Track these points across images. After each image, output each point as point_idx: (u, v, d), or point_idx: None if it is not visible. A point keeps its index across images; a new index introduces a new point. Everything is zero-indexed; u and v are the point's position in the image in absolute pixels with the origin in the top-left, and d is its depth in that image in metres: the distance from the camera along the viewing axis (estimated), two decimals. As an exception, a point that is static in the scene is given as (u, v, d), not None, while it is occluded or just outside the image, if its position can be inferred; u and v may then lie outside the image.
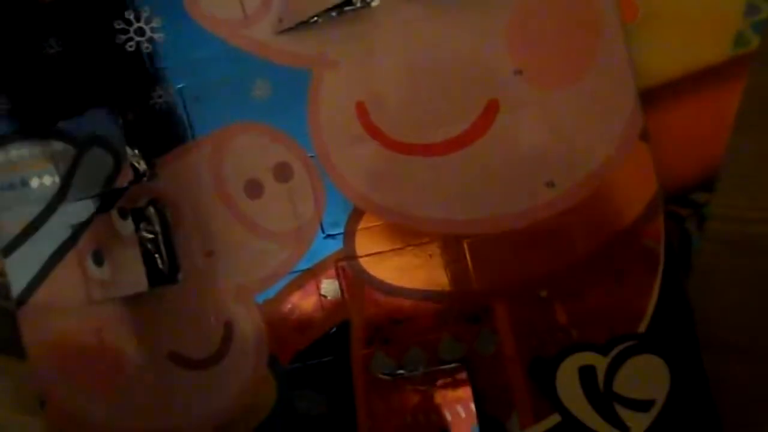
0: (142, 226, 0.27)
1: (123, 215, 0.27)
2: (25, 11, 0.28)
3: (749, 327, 0.25)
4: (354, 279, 0.26)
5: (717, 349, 0.25)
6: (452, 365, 0.26)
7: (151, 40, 0.27)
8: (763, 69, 0.24)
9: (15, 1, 0.28)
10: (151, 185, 0.28)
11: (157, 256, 0.27)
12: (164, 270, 0.27)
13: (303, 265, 0.27)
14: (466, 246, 0.26)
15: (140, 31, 0.27)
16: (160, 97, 0.27)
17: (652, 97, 0.25)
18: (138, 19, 0.27)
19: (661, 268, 0.25)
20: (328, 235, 0.26)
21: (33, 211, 0.29)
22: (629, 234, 0.25)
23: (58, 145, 0.28)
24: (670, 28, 0.25)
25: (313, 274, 0.27)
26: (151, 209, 0.27)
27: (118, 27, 0.27)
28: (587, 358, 0.25)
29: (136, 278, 0.27)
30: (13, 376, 0.29)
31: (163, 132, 0.27)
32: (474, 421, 0.25)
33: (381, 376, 0.26)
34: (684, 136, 0.25)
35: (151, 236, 0.27)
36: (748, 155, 0.25)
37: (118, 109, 0.27)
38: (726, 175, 0.25)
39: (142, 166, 0.27)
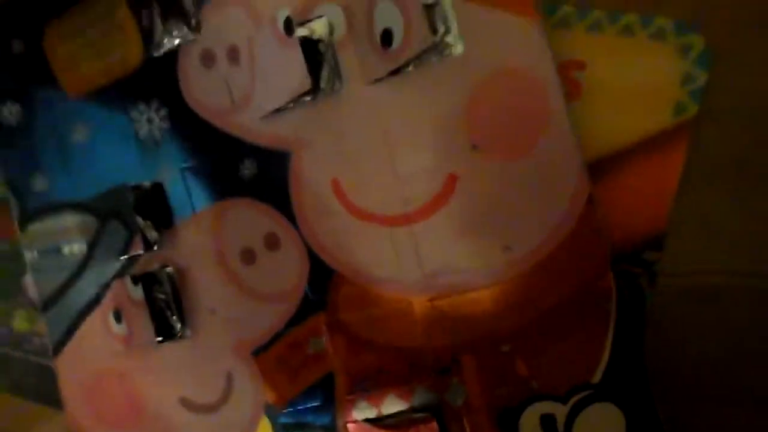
0: (155, 288, 0.31)
1: (134, 281, 0.31)
2: (53, 106, 0.32)
3: (710, 372, 0.27)
4: (336, 335, 0.29)
5: (682, 395, 0.27)
6: (423, 414, 0.28)
7: (159, 128, 0.31)
8: (703, 130, 0.26)
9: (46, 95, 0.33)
10: (162, 253, 0.32)
11: (168, 314, 0.31)
12: (175, 326, 0.31)
13: (292, 324, 0.30)
14: (434, 306, 0.28)
15: (150, 120, 0.31)
16: (167, 176, 0.31)
17: (601, 166, 0.27)
18: (149, 110, 0.31)
19: (612, 322, 0.27)
20: (313, 298, 0.30)
21: (65, 274, 0.33)
22: (582, 292, 0.27)
23: (84, 218, 0.32)
24: (613, 102, 0.27)
25: (301, 331, 0.30)
26: (163, 273, 0.31)
27: (132, 117, 0.31)
28: (548, 407, 0.27)
29: (148, 335, 0.31)
30: (57, 424, 0.34)
31: (169, 207, 0.31)
32: (443, 465, 0.28)
33: (362, 422, 0.29)
34: (633, 200, 0.27)
35: (162, 297, 0.31)
36: (691, 214, 0.26)
37: (134, 186, 0.31)
38: (672, 234, 0.27)
39: (153, 235, 0.31)
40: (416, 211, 0.28)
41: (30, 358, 0.34)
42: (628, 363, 0.27)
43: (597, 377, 0.27)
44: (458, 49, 0.27)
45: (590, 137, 0.27)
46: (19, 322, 0.35)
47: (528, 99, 0.27)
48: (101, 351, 0.32)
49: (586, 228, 0.27)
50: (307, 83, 0.27)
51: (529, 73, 0.27)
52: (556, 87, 0.26)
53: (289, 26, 0.27)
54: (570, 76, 0.27)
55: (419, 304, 0.28)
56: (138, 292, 0.31)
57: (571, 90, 0.27)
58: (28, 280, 0.33)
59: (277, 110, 0.29)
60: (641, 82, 0.26)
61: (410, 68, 0.27)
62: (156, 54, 0.31)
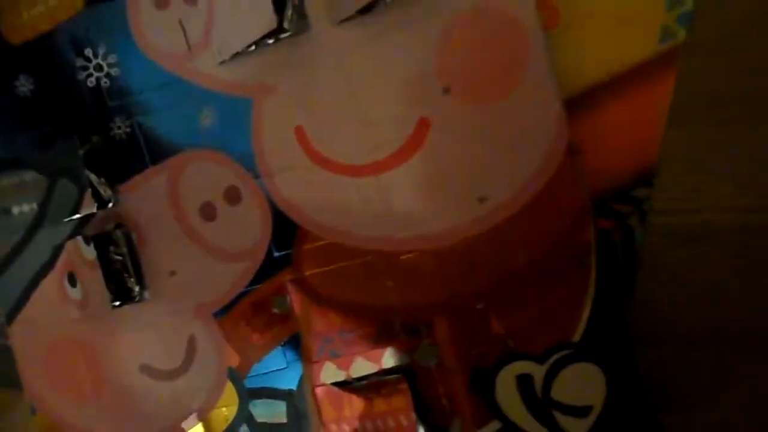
0: (111, 249, 0.29)
1: (86, 241, 0.29)
2: (-3, 53, 0.30)
3: (702, 316, 0.25)
4: (302, 295, 0.28)
5: (673, 340, 0.25)
6: (394, 376, 0.27)
7: (108, 75, 0.29)
8: (692, 60, 0.24)
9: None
10: (117, 210, 0.30)
11: (125, 275, 0.29)
12: (132, 289, 0.29)
13: (255, 283, 0.28)
14: (403, 261, 0.27)
15: (99, 67, 0.29)
16: (119, 128, 0.29)
17: (583, 99, 0.25)
18: (96, 56, 0.29)
19: (593, 278, 0.25)
20: (277, 254, 0.28)
21: (15, 237, 0.31)
22: (560, 246, 0.25)
23: (32, 176, 0.30)
24: (594, 30, 0.25)
25: (264, 291, 0.28)
26: (118, 233, 0.29)
27: (79, 64, 0.29)
28: (525, 367, 0.26)
29: (103, 298, 0.29)
30: (21, 410, 0.32)
31: (124, 161, 0.29)
32: (415, 429, 0.26)
33: (330, 386, 0.28)
34: (620, 135, 0.25)
35: (119, 258, 0.29)
36: (683, 147, 0.25)
37: (81, 140, 0.29)
38: (664, 168, 0.25)
39: (106, 192, 0.29)
40: (385, 159, 0.26)
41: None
42: (608, 321, 0.25)
43: (577, 336, 0.25)
44: (428, -16, 0.25)
45: (570, 68, 0.25)
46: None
47: (505, 40, 0.25)
48: (57, 318, 0.31)
49: (564, 178, 0.25)
50: (271, 23, 0.25)
51: (508, 12, 0.25)
52: (536, 28, 0.25)
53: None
54: (547, 2, 0.25)
55: (388, 259, 0.27)
56: (91, 253, 0.29)
57: (548, 17, 0.25)
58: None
59: (237, 54, 0.27)
60: (623, 5, 0.25)
61: (381, 7, 0.25)
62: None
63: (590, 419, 0.25)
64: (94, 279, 0.29)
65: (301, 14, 0.26)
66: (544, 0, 0.25)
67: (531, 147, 0.25)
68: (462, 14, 0.25)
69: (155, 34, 0.28)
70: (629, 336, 0.25)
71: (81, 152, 0.29)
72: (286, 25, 0.26)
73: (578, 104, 0.25)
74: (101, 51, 0.29)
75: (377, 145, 0.26)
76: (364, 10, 0.25)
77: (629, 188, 0.25)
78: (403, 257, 0.27)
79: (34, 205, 0.30)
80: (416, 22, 0.26)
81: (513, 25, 0.25)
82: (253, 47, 0.27)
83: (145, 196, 0.29)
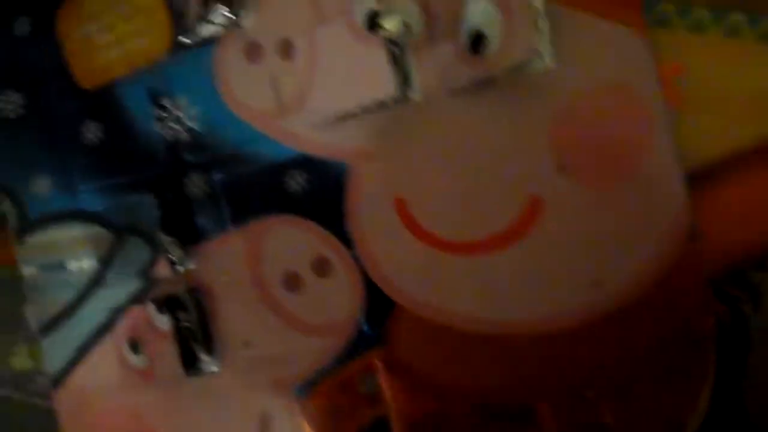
0: (179, 314, 0.27)
1: (160, 309, 0.27)
2: (66, 96, 0.28)
3: None
4: (393, 375, 0.26)
5: None
6: (494, 468, 0.25)
7: (189, 129, 0.27)
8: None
9: (57, 86, 0.28)
10: (188, 273, 0.27)
11: (194, 343, 0.27)
12: (201, 359, 0.27)
13: (341, 360, 0.26)
14: (507, 344, 0.25)
15: (177, 119, 0.27)
16: (196, 186, 0.27)
17: (701, 178, 0.24)
18: (176, 107, 0.27)
19: (712, 368, 0.24)
20: (367, 331, 0.26)
21: (69, 294, 0.29)
22: (678, 334, 0.24)
23: (95, 230, 0.28)
24: (716, 109, 0.24)
25: (351, 369, 0.26)
26: (188, 297, 0.27)
27: (156, 115, 0.27)
28: (634, 461, 0.25)
29: (172, 370, 0.27)
30: None
31: (200, 221, 0.27)
32: None
33: (420, 474, 0.26)
34: (736, 216, 0.24)
35: (188, 324, 0.27)
36: None
37: (156, 197, 0.27)
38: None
39: (177, 254, 0.27)
40: (493, 237, 0.25)
41: (33, 400, 0.30)
42: (728, 415, 0.24)
43: (691, 429, 0.24)
44: (550, 61, 0.24)
45: (689, 147, 0.24)
46: (20, 360, 0.30)
47: (628, 119, 0.24)
48: (112, 386, 0.28)
49: (686, 264, 0.24)
50: (384, 88, 0.23)
51: (631, 90, 0.24)
52: (660, 107, 0.24)
53: (371, 22, 0.23)
54: (668, 81, 0.24)
55: (493, 342, 0.25)
56: (163, 322, 0.26)
57: (670, 97, 0.24)
58: (31, 310, 0.29)
59: (339, 117, 0.25)
60: (748, 87, 0.24)
61: (495, 80, 0.24)
62: (188, 43, 0.26)
63: None
64: (162, 347, 0.27)
65: (408, 79, 0.25)
66: (665, 78, 0.24)
67: (651, 230, 0.24)
68: (584, 91, 0.24)
69: (243, 87, 0.26)
70: (751, 428, 0.24)
71: (156, 210, 0.26)
72: (395, 93, 0.24)
73: (695, 182, 0.24)
74: (182, 102, 0.27)
75: (485, 222, 0.25)
76: (481, 82, 0.24)
77: (744, 271, 0.24)
78: (507, 341, 0.25)
79: (95, 262, 0.28)
80: (533, 97, 0.24)
81: (636, 104, 0.24)
82: (357, 112, 0.25)
83: (221, 260, 0.27)
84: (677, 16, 0.24)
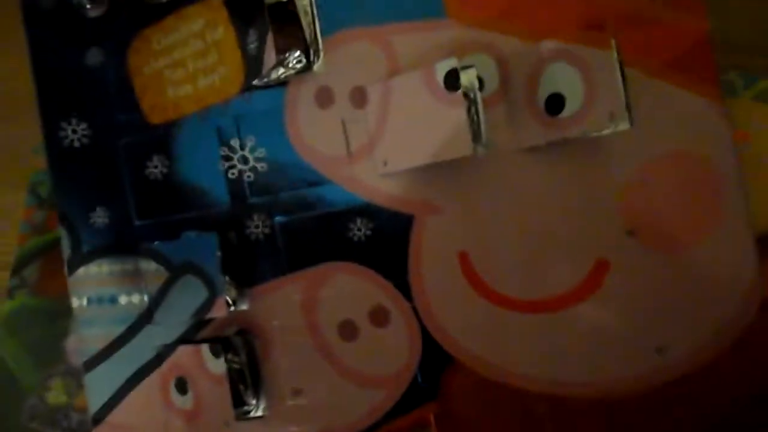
0: (228, 356, 0.27)
1: (215, 354, 0.26)
2: (133, 130, 0.28)
3: None
4: (445, 430, 0.25)
5: None
6: None
7: (254, 170, 0.27)
8: None
9: (124, 118, 0.28)
10: (241, 315, 0.27)
11: (241, 387, 0.27)
12: (249, 402, 0.27)
13: (394, 414, 0.26)
14: (567, 408, 0.24)
15: (244, 160, 0.27)
16: (257, 227, 0.27)
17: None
18: (243, 148, 0.27)
19: (780, 446, 0.23)
20: (423, 385, 0.25)
21: (117, 329, 0.28)
22: (751, 406, 0.24)
23: (150, 265, 0.28)
24: None
25: (404, 424, 0.26)
26: (238, 339, 0.27)
27: (222, 154, 0.27)
28: None
29: (223, 415, 0.26)
30: None
31: (258, 262, 0.27)
32: None
33: None
34: None
35: (236, 366, 0.27)
36: None
37: (218, 236, 0.27)
38: None
39: (232, 294, 0.27)
40: (557, 298, 0.25)
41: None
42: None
43: (756, 508, 0.23)
44: (624, 124, 0.24)
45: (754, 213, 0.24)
46: (55, 395, 0.30)
47: (699, 186, 0.24)
48: (154, 426, 0.27)
49: (758, 334, 0.24)
50: (463, 150, 0.23)
51: (705, 158, 0.24)
52: (734, 176, 0.24)
53: (451, 79, 0.23)
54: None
55: (550, 403, 0.25)
56: (219, 366, 0.26)
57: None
58: (71, 344, 0.28)
59: (409, 169, 0.25)
60: None
61: (569, 141, 0.24)
62: (260, 84, 0.27)
63: None
64: (211, 389, 0.26)
65: (477, 132, 0.25)
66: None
67: (719, 298, 0.24)
68: (654, 156, 0.24)
69: (313, 132, 0.26)
70: None
71: (219, 253, 0.26)
72: (472, 152, 0.24)
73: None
74: (249, 143, 0.27)
75: (550, 282, 0.25)
76: (558, 143, 0.24)
77: None
78: (564, 406, 0.25)
79: (146, 297, 0.28)
80: (606, 159, 0.24)
81: (709, 171, 0.24)
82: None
83: (276, 304, 0.27)
84: (742, 86, 0.25)
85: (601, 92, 0.22)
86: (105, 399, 0.28)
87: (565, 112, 0.23)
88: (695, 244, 0.24)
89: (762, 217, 0.24)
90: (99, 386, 0.28)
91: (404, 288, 0.26)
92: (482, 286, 0.25)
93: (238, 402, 0.27)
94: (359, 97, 0.26)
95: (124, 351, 0.28)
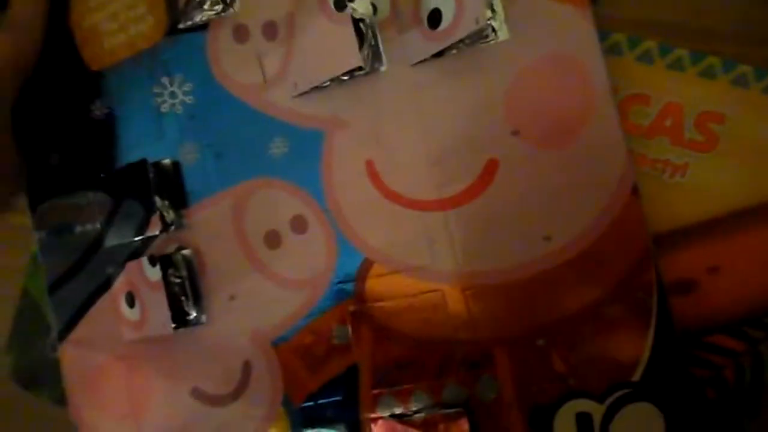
0: (170, 271, 0.30)
1: (152, 262, 0.29)
2: (75, 78, 0.31)
3: None
4: (363, 325, 0.28)
5: None
6: (454, 410, 0.27)
7: (183, 103, 0.30)
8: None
9: (66, 69, 0.31)
10: (179, 234, 0.30)
11: (183, 299, 0.30)
12: (190, 312, 0.30)
13: (316, 312, 0.29)
14: (467, 296, 0.27)
15: (173, 95, 0.30)
16: (189, 153, 0.30)
17: (730, 221, 0.26)
18: (172, 84, 0.30)
19: (654, 318, 0.26)
20: (340, 284, 0.28)
21: (75, 255, 0.31)
22: (622, 286, 0.26)
23: (98, 196, 0.31)
24: (748, 159, 0.26)
25: (325, 320, 0.28)
26: (179, 256, 0.30)
27: (155, 91, 0.30)
28: (584, 405, 0.26)
29: (163, 320, 0.29)
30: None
31: (190, 185, 0.30)
32: (473, 463, 0.27)
33: (387, 417, 0.28)
34: (762, 261, 0.26)
35: (178, 281, 0.30)
36: None
37: (150, 164, 0.30)
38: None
39: (170, 216, 0.30)
40: (453, 196, 0.27)
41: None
42: (668, 361, 0.26)
43: (637, 375, 0.26)
44: (503, 34, 0.26)
45: (720, 191, 0.26)
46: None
47: (573, 86, 0.26)
48: (109, 337, 0.31)
49: (629, 219, 0.26)
50: (353, 62, 0.26)
51: (576, 60, 0.26)
52: (602, 75, 0.26)
53: (339, 3, 0.26)
54: (707, 127, 0.27)
55: (452, 294, 0.27)
56: (155, 273, 0.29)
57: (708, 140, 0.26)
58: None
59: (314, 88, 0.28)
60: None
61: (454, 51, 0.27)
62: (183, 26, 0.30)
63: (648, 460, 0.26)
64: (153, 300, 0.29)
65: (375, 52, 0.28)
66: (704, 124, 0.27)
67: (596, 189, 0.26)
68: (531, 61, 0.26)
69: (232, 65, 0.29)
70: (689, 378, 0.26)
71: (151, 176, 0.29)
72: (362, 63, 0.27)
73: (724, 225, 0.26)
74: (177, 79, 0.30)
75: (446, 182, 0.27)
76: (439, 54, 0.27)
77: (763, 315, 0.26)
78: (467, 292, 0.27)
79: (97, 225, 0.31)
80: (488, 68, 0.27)
81: (581, 72, 0.26)
82: (329, 83, 0.28)
83: (209, 221, 0.30)
84: (722, 70, 0.27)
85: (467, 2, 0.25)
86: (67, 318, 0.31)
87: (443, 25, 0.26)
88: (573, 139, 0.26)
89: (724, 196, 0.26)
90: (62, 307, 0.32)
91: (319, 197, 0.28)
92: (387, 190, 0.28)
93: (182, 313, 0.30)
94: (271, 31, 0.29)
95: (82, 275, 0.31)
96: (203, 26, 0.30)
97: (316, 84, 0.28)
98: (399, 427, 0.28)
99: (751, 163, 0.27)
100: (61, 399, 0.32)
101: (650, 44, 0.27)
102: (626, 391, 0.26)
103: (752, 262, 0.26)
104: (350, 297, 0.28)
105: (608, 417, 0.26)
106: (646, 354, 0.26)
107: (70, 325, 0.31)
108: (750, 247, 0.26)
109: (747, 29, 0.27)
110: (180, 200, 0.30)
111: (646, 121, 0.27)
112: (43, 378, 0.33)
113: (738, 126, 0.27)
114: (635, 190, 0.26)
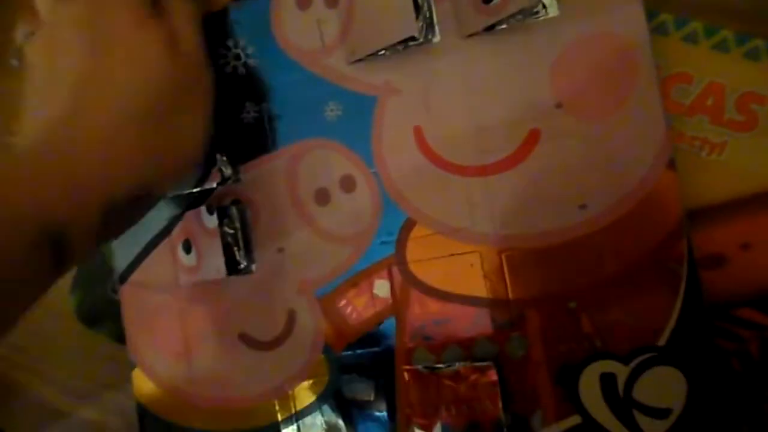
0: (225, 222, 0.32)
1: (210, 211, 0.31)
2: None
3: None
4: (403, 281, 0.30)
5: None
6: (482, 363, 0.29)
7: (245, 65, 0.32)
8: None
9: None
10: (235, 188, 0.32)
11: (236, 249, 0.32)
12: (241, 262, 0.32)
13: (359, 266, 0.30)
14: (504, 258, 0.29)
15: (237, 57, 0.32)
16: (248, 112, 0.32)
17: (765, 201, 0.27)
18: (236, 46, 0.32)
19: (682, 287, 0.27)
20: (383, 241, 0.30)
21: (137, 204, 0.34)
22: (654, 255, 0.27)
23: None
24: None
25: (367, 274, 0.30)
26: (234, 209, 0.32)
27: (220, 53, 0.32)
28: (609, 366, 0.28)
29: (216, 266, 0.31)
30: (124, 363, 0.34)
31: (249, 143, 0.32)
32: (500, 415, 0.28)
33: (421, 368, 0.30)
34: None
35: (231, 232, 0.32)
36: None
37: (213, 121, 0.32)
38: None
39: (228, 170, 0.32)
40: (495, 162, 0.29)
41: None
42: (694, 328, 0.27)
43: (662, 340, 0.27)
44: (553, 10, 0.28)
45: (756, 171, 0.27)
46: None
47: (618, 63, 0.28)
48: (166, 281, 0.33)
49: (664, 192, 0.27)
50: (409, 30, 0.28)
51: (622, 38, 0.27)
52: (647, 54, 0.27)
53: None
54: (748, 108, 0.28)
55: (489, 256, 0.29)
56: (212, 221, 0.31)
57: (747, 120, 0.28)
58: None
59: (370, 56, 0.29)
60: None
61: (505, 26, 0.28)
62: (249, -5, 0.32)
63: (669, 421, 0.27)
64: (208, 247, 0.32)
65: (429, 24, 0.29)
66: (745, 105, 0.28)
67: (634, 162, 0.27)
68: (579, 37, 0.28)
69: (293, 30, 0.31)
70: (713, 346, 0.27)
71: (212, 132, 0.31)
72: (416, 33, 0.29)
73: (758, 204, 0.27)
74: (241, 42, 0.32)
75: (490, 149, 0.29)
76: (489, 28, 0.28)
77: None
78: (503, 254, 0.29)
79: (159, 177, 0.33)
80: (536, 42, 0.28)
81: (625, 49, 0.27)
82: (385, 51, 0.29)
83: (264, 177, 0.32)
84: (765, 50, 0.27)
85: (525, -20, 0.26)
86: (128, 262, 0.34)
87: (494, 0, 0.27)
88: (614, 113, 0.28)
89: (759, 177, 0.27)
90: (123, 251, 0.34)
91: (368, 159, 0.30)
92: (433, 154, 0.29)
93: (234, 262, 0.32)
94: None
95: (143, 222, 0.34)
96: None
97: (372, 51, 0.29)
98: (431, 377, 0.29)
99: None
100: (120, 337, 0.34)
101: (696, 25, 0.28)
102: (651, 354, 0.27)
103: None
104: (392, 254, 0.30)
105: (632, 378, 0.27)
106: (673, 321, 0.27)
107: (130, 269, 0.34)
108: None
109: (793, 13, 0.28)
110: (238, 156, 0.32)
111: (687, 99, 0.28)
112: (104, 317, 0.36)
113: (777, 107, 0.27)
114: (671, 165, 0.27)
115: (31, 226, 0.23)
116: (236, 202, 0.32)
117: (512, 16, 0.27)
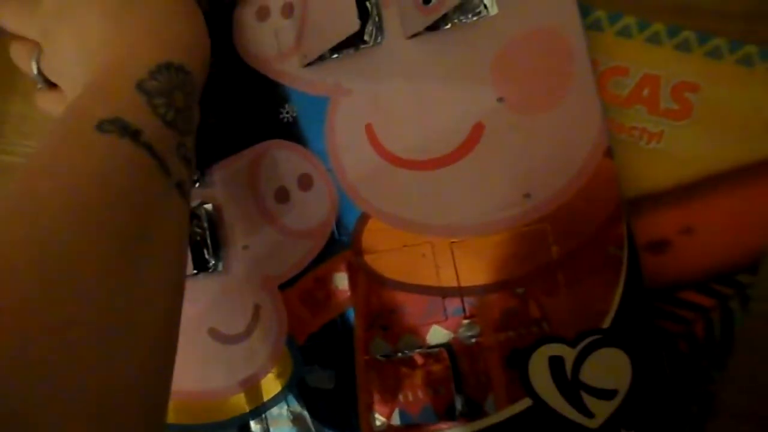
0: (193, 222, 0.33)
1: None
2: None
3: None
4: (359, 273, 0.31)
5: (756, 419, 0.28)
6: (437, 350, 0.30)
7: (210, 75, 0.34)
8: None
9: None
10: (202, 190, 0.34)
11: (204, 248, 0.33)
12: (209, 260, 0.33)
13: (319, 261, 0.32)
14: (453, 248, 0.30)
15: (199, 66, 0.34)
16: (211, 118, 0.33)
17: (704, 184, 0.28)
18: (198, 57, 0.34)
19: (624, 270, 0.28)
20: (340, 236, 0.31)
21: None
22: (595, 240, 0.28)
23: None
24: (720, 127, 0.28)
25: (326, 268, 0.32)
26: (202, 209, 0.33)
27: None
28: (557, 349, 0.29)
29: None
30: None
31: (212, 147, 0.33)
32: (453, 399, 0.29)
33: (378, 357, 0.31)
34: (732, 223, 0.28)
35: (199, 231, 0.33)
36: None
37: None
38: None
39: (195, 174, 0.33)
40: (443, 156, 0.30)
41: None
42: (636, 310, 0.28)
43: (606, 323, 0.28)
44: (493, 9, 0.29)
45: (694, 157, 0.28)
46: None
47: (556, 58, 0.29)
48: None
49: (603, 179, 0.28)
50: (353, 27, 0.29)
51: (559, 35, 0.29)
52: (583, 49, 0.28)
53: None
54: (683, 96, 0.29)
55: (440, 246, 0.30)
56: (178, 221, 0.33)
57: (682, 109, 0.29)
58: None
59: (321, 58, 0.31)
60: (751, 111, 0.28)
61: (448, 26, 0.29)
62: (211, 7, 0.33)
63: (615, 402, 0.28)
64: (177, 248, 0.33)
65: (378, 28, 0.31)
66: (680, 93, 0.29)
67: (573, 151, 0.28)
68: (518, 35, 0.29)
69: (253, 40, 0.33)
70: (655, 326, 0.28)
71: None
72: (365, 37, 0.30)
73: (698, 189, 0.28)
74: (204, 52, 0.33)
75: (437, 144, 0.30)
76: (432, 28, 0.30)
77: (734, 272, 0.28)
78: (454, 243, 0.30)
79: (131, 182, 0.35)
80: (477, 40, 0.30)
81: (563, 46, 0.29)
82: (336, 55, 0.31)
83: (227, 179, 0.33)
84: (696, 42, 0.29)
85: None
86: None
87: (433, 1, 0.29)
88: (553, 106, 0.29)
89: (698, 161, 0.28)
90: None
91: (324, 157, 0.32)
92: (384, 151, 0.31)
93: (202, 260, 0.33)
94: (288, 10, 0.32)
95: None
96: (231, 5, 0.33)
97: (321, 52, 0.31)
98: (388, 365, 0.30)
99: (723, 130, 0.28)
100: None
101: (629, 20, 0.29)
102: (596, 336, 0.28)
103: (723, 224, 0.28)
104: (348, 248, 0.31)
105: (579, 360, 0.28)
106: (616, 303, 0.28)
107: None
108: (721, 209, 0.28)
109: (722, 3, 0.29)
110: (203, 160, 0.34)
111: (624, 91, 0.29)
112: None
113: (711, 95, 0.29)
114: (609, 153, 0.28)
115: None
116: (203, 203, 0.34)
117: (455, 16, 0.29)
